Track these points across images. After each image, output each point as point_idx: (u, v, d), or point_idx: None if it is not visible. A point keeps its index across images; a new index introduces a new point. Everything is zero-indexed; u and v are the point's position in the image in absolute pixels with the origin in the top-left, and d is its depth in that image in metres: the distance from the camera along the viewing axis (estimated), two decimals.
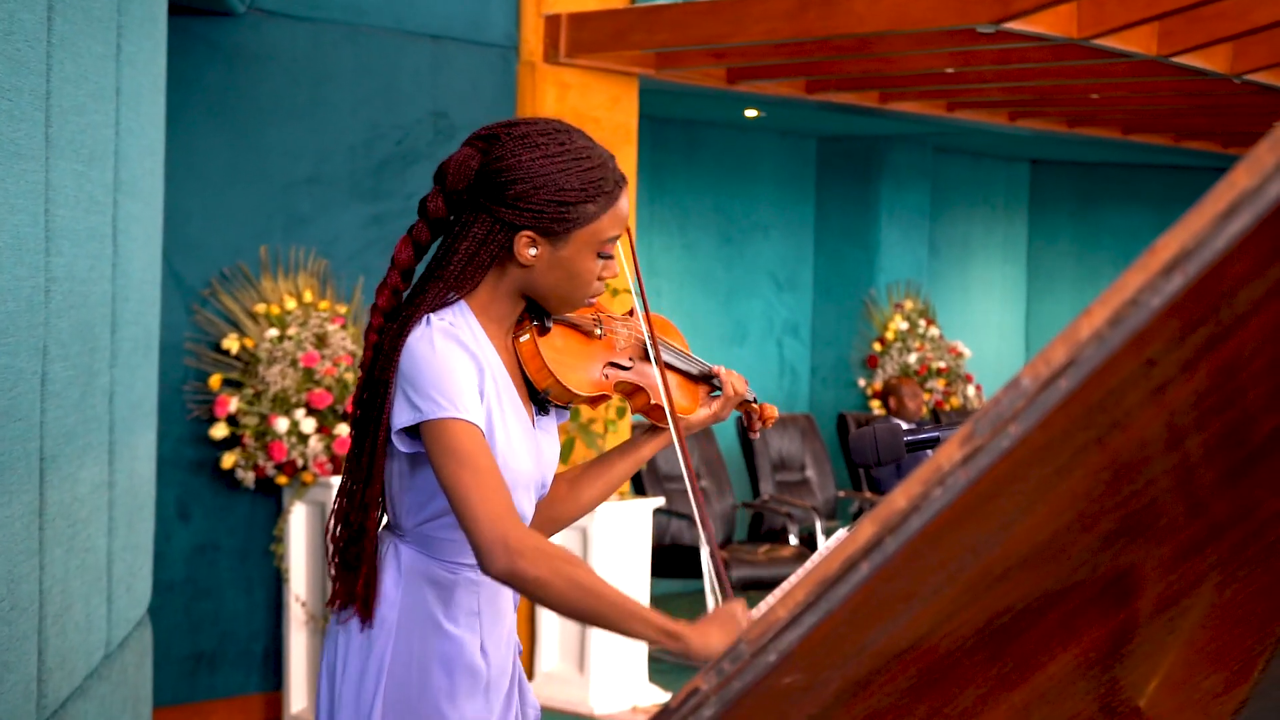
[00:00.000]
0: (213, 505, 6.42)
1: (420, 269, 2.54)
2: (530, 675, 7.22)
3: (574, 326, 2.57)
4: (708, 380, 2.73)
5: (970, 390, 10.90)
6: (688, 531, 8.26)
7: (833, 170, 11.06)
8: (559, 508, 2.72)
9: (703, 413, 2.69)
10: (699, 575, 8.00)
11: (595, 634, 6.94)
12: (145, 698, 4.53)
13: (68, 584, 3.39)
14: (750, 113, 9.83)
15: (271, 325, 6.38)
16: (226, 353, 6.35)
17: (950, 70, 7.67)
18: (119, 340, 3.87)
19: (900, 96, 8.89)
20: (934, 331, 10.86)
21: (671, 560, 8.20)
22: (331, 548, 2.53)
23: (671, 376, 2.65)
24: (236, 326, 6.39)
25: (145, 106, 4.17)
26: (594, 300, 2.52)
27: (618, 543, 7.06)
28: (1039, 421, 0.93)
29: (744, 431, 9.34)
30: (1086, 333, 0.90)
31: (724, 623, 2.27)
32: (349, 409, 6.22)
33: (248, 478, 6.29)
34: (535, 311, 2.54)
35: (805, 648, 1.02)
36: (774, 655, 1.03)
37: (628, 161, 7.58)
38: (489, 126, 2.46)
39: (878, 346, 10.65)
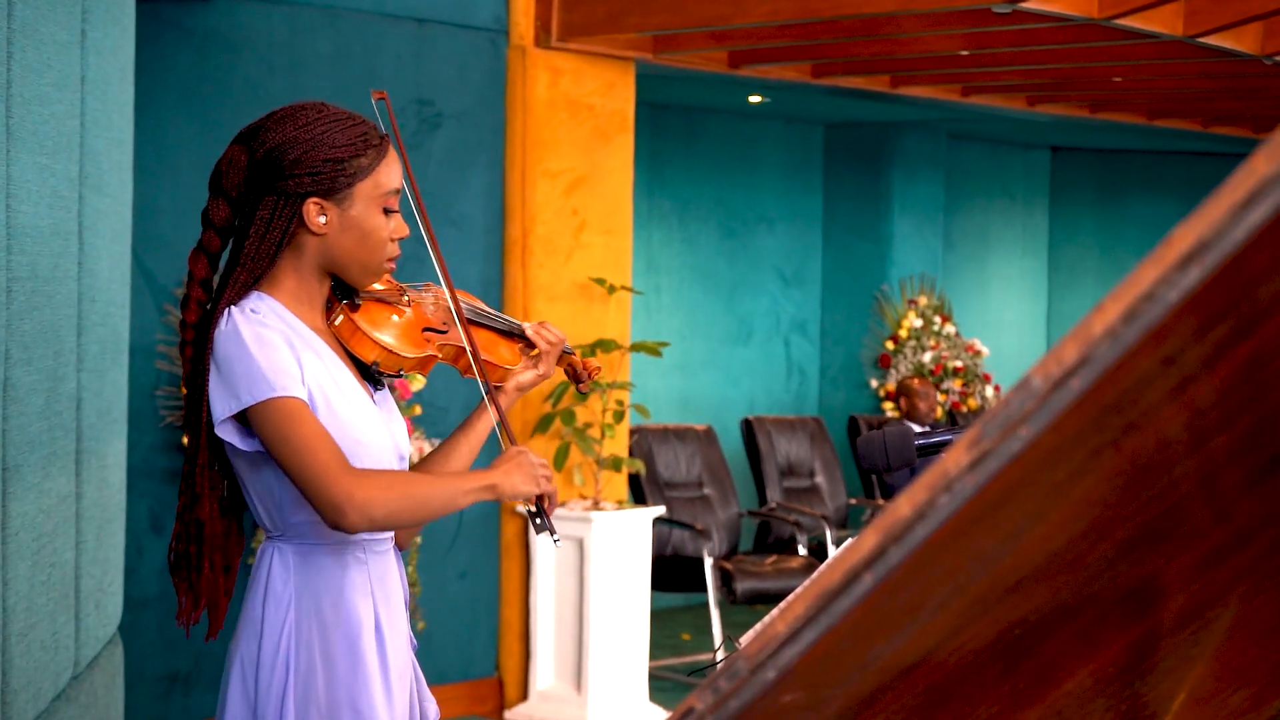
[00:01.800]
0: None
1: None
2: (525, 694, 7.22)
3: (381, 300, 2.79)
4: (523, 336, 2.94)
5: (989, 391, 10.91)
6: (690, 542, 8.27)
7: (841, 159, 11.06)
8: None
9: (529, 373, 2.91)
10: (703, 587, 8.01)
11: (593, 652, 6.95)
12: None
13: (33, 601, 3.39)
14: (753, 99, 9.84)
15: None
16: None
17: (965, 52, 7.67)
18: (86, 343, 3.87)
19: (912, 80, 8.89)
20: (950, 329, 10.86)
21: (673, 572, 8.20)
22: (172, 557, 2.70)
23: (485, 334, 2.89)
24: None
25: (112, 95, 4.17)
26: (391, 266, 2.73)
27: (616, 553, 7.06)
28: (1051, 423, 0.93)
29: (747, 436, 9.36)
30: (1100, 329, 0.90)
31: (519, 462, 2.64)
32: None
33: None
34: (341, 295, 2.74)
35: (805, 664, 1.02)
36: (773, 672, 1.02)
37: (624, 150, 7.59)
38: (249, 125, 2.69)
39: (890, 345, 10.66)
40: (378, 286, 2.77)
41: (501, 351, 2.89)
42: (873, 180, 10.95)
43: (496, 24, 7.25)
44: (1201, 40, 6.96)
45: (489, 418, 2.86)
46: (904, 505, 0.96)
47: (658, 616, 8.69)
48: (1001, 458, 0.94)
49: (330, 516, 2.47)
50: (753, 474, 9.41)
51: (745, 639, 2.80)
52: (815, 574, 2.54)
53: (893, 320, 10.70)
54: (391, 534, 2.77)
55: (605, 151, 7.50)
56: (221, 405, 2.53)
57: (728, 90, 9.33)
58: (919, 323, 10.69)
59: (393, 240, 2.68)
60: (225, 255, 2.74)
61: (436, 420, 6.90)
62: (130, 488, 5.58)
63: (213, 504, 2.65)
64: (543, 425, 7.12)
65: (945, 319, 10.89)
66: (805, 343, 11.08)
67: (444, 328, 2.82)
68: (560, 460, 7.06)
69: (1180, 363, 0.96)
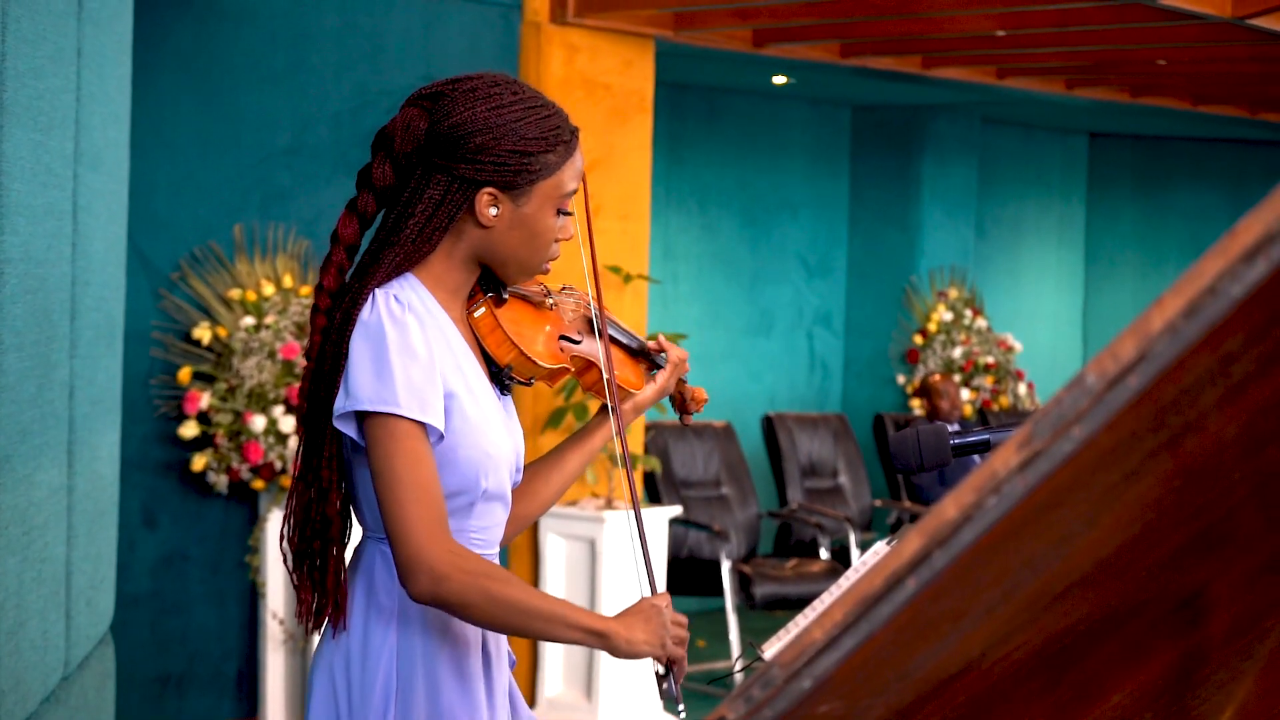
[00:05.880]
0: (182, 512, 6.43)
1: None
2: (532, 702, 7.22)
3: (525, 298, 2.73)
4: (648, 356, 2.90)
5: (1021, 388, 10.89)
6: (707, 544, 8.27)
7: (869, 144, 11.05)
8: (519, 505, 2.80)
9: (649, 389, 2.87)
10: (719, 592, 8.01)
11: (604, 658, 6.95)
12: None
13: (22, 598, 3.40)
14: (778, 79, 9.82)
15: (247, 313, 6.38)
16: (197, 343, 6.36)
17: (1001, 33, 7.65)
18: (79, 328, 3.88)
19: (945, 62, 8.88)
20: (981, 323, 10.85)
21: (688, 575, 8.19)
22: (290, 553, 2.60)
23: (616, 352, 2.83)
24: (208, 314, 6.40)
25: (109, 69, 4.17)
26: (548, 269, 2.68)
27: (629, 555, 7.05)
28: (1106, 423, 0.92)
29: (768, 433, 9.36)
30: (1159, 324, 0.90)
31: (648, 616, 2.51)
32: (294, 400, 6.24)
33: (220, 481, 6.30)
34: (486, 284, 2.66)
35: (844, 673, 1.02)
36: (809, 681, 1.02)
37: (642, 132, 7.58)
38: (429, 85, 2.59)
39: (919, 339, 10.65)
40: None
41: (628, 372, 2.84)
42: (902, 166, 10.94)
43: None
44: (1250, 22, 6.94)
45: (607, 431, 2.80)
46: (950, 507, 0.96)
47: None
48: (1053, 459, 0.94)
49: (401, 571, 2.38)
50: (773, 473, 9.41)
51: (767, 646, 2.80)
52: (843, 579, 2.53)
53: (921, 313, 10.69)
54: (497, 540, 2.65)
55: (622, 133, 7.50)
56: (339, 399, 2.45)
57: (751, 70, 9.32)
58: (949, 316, 10.68)
59: (557, 241, 2.63)
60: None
61: None
62: (123, 480, 5.59)
63: (339, 498, 2.56)
64: (554, 420, 7.12)
65: (976, 312, 10.87)
66: (829, 336, 11.07)
67: (578, 338, 2.76)
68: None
69: (1242, 361, 0.96)
